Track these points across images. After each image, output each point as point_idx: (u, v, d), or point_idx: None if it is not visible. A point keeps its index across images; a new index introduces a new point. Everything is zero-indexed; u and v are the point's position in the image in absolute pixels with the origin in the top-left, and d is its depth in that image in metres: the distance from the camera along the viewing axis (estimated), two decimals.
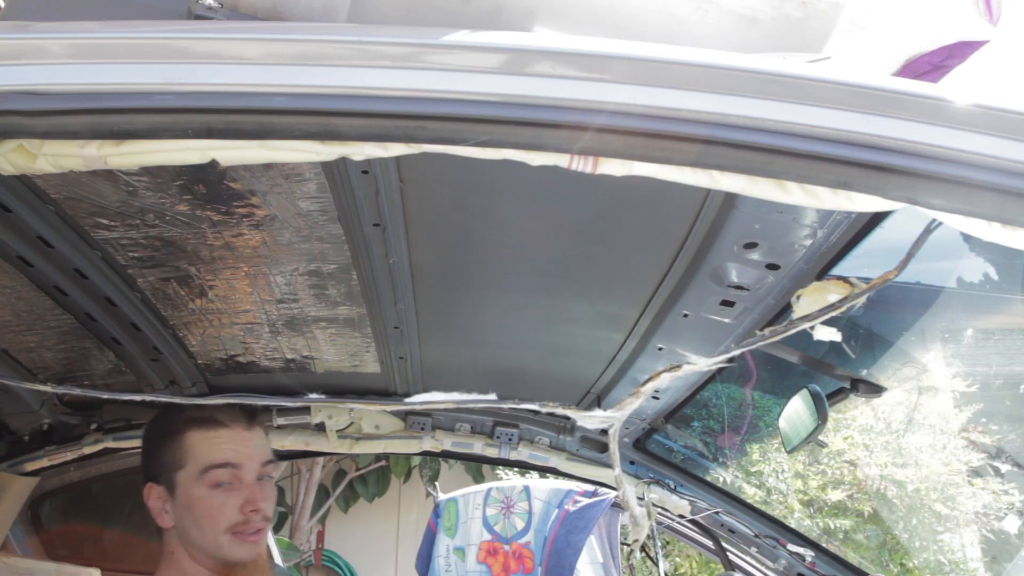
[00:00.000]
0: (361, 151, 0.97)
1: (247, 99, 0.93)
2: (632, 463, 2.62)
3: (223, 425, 1.57)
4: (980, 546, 6.15)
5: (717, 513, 2.59)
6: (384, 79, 0.94)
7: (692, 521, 2.64)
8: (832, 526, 6.27)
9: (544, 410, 1.41)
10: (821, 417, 2.00)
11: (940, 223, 0.93)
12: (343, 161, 1.32)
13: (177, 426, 1.55)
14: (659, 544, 2.69)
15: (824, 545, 2.57)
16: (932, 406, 6.34)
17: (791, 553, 2.49)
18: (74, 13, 1.14)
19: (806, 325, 1.10)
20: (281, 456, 2.58)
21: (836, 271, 1.45)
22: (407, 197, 1.48)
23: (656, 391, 1.45)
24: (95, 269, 1.66)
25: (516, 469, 3.43)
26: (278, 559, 1.58)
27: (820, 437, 2.05)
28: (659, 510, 2.63)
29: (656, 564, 2.72)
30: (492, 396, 1.40)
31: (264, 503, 1.54)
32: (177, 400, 1.67)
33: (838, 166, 0.89)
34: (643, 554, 2.83)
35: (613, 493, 2.62)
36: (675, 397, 2.25)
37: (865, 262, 1.39)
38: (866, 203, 0.92)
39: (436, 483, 3.47)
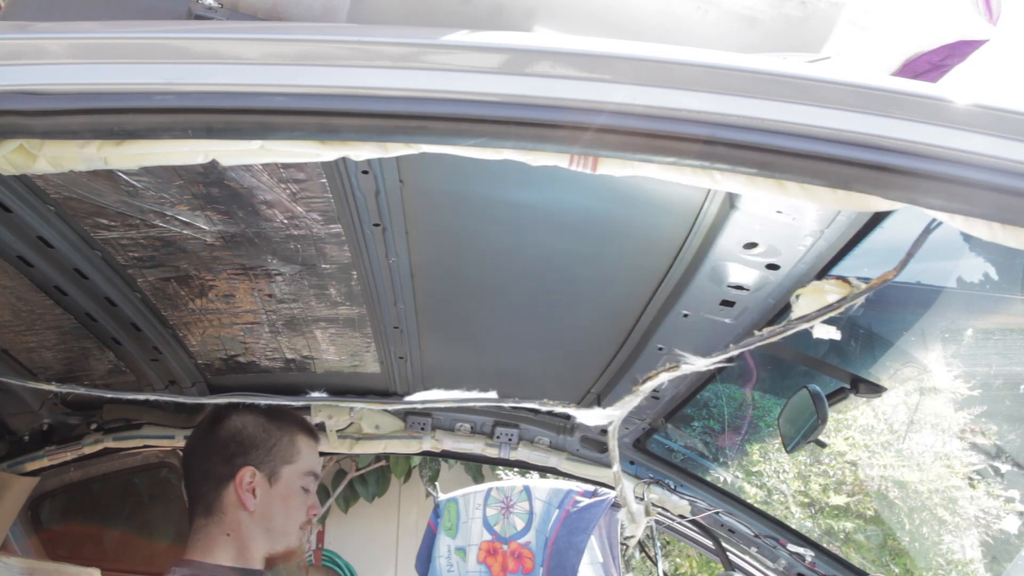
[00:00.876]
0: (361, 151, 0.97)
1: (247, 99, 0.93)
2: (632, 463, 2.62)
3: (316, 438, 1.82)
4: (980, 547, 6.15)
5: (717, 513, 2.59)
6: (384, 79, 0.94)
7: (692, 521, 2.64)
8: (833, 527, 6.27)
9: (544, 408, 1.41)
10: (821, 417, 1.99)
11: (940, 223, 0.93)
12: (343, 161, 1.32)
13: (290, 426, 1.75)
14: (659, 544, 2.69)
15: (824, 545, 2.57)
16: (932, 406, 6.33)
17: (791, 553, 2.49)
18: (74, 13, 1.14)
19: (806, 325, 1.09)
20: None
21: (836, 271, 1.45)
22: (407, 197, 1.48)
23: (656, 391, 1.45)
24: (95, 269, 1.66)
25: (516, 469, 3.43)
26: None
27: (820, 437, 2.05)
28: (659, 510, 2.62)
29: (656, 564, 2.72)
30: (492, 395, 1.40)
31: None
32: (177, 400, 1.67)
33: (838, 166, 0.89)
34: (643, 554, 2.83)
35: (613, 493, 2.62)
36: (675, 397, 2.25)
37: (865, 262, 1.39)
38: (866, 203, 0.92)
39: (436, 483, 3.46)
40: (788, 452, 2.34)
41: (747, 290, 1.53)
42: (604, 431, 1.61)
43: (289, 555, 1.66)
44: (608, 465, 2.36)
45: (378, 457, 6.55)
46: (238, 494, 1.61)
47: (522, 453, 2.60)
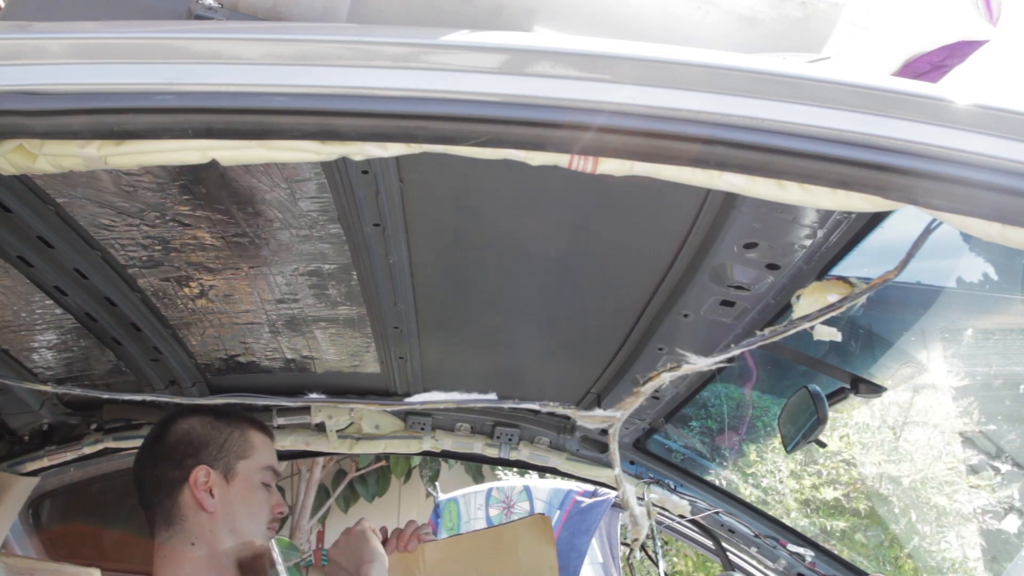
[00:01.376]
0: (361, 151, 0.97)
1: (247, 99, 0.93)
2: (632, 463, 2.62)
3: (269, 432, 1.78)
4: (980, 547, 6.15)
5: (717, 513, 2.59)
6: (384, 79, 0.94)
7: (692, 521, 2.64)
8: (834, 528, 6.26)
9: (544, 410, 1.41)
10: (821, 417, 2.00)
11: (940, 223, 0.93)
12: (343, 161, 1.32)
13: (239, 421, 1.71)
14: (659, 544, 2.69)
15: (824, 545, 2.57)
16: (932, 406, 6.33)
17: (791, 553, 2.49)
18: (74, 13, 1.14)
19: (806, 325, 1.10)
20: (281, 456, 2.58)
21: (836, 271, 1.45)
22: (407, 197, 1.48)
23: (656, 391, 1.45)
24: (95, 269, 1.66)
25: (516, 469, 3.43)
26: (278, 559, 1.65)
27: (820, 437, 2.05)
28: (659, 510, 2.62)
29: (656, 564, 2.72)
30: (492, 396, 1.40)
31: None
32: (177, 400, 1.68)
33: (838, 166, 0.89)
34: (642, 554, 2.83)
35: (613, 493, 2.62)
36: (675, 397, 2.25)
37: (865, 262, 1.39)
38: (866, 203, 0.92)
39: (436, 483, 3.47)
40: (788, 452, 2.35)
41: (747, 290, 1.53)
42: (604, 432, 1.61)
43: (259, 557, 1.60)
44: (608, 465, 2.36)
45: (378, 457, 6.56)
46: (195, 495, 1.56)
47: (522, 453, 2.60)
